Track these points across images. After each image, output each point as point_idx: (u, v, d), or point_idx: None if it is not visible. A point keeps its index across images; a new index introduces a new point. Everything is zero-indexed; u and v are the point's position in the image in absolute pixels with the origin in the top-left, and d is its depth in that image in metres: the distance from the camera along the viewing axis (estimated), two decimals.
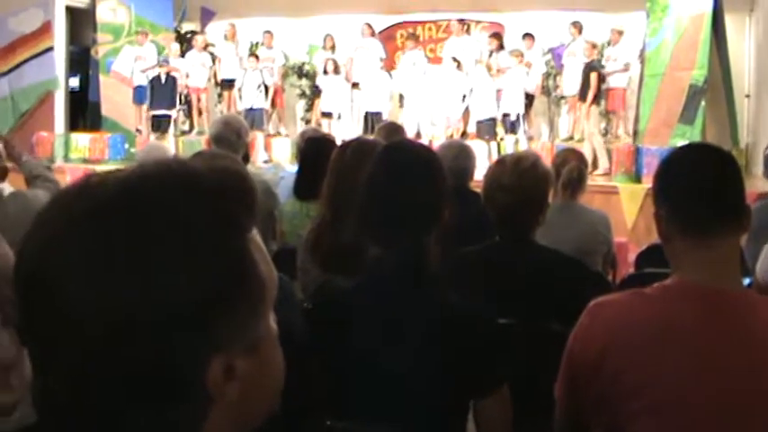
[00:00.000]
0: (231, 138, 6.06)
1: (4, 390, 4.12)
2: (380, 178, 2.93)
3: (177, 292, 1.04)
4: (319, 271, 4.11)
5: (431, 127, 17.32)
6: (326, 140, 5.87)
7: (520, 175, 3.85)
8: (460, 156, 5.92)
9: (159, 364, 1.05)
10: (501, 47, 17.36)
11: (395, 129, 6.87)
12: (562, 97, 17.42)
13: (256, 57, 18.46)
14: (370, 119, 16.86)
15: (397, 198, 2.86)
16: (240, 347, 1.11)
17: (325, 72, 18.12)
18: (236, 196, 1.16)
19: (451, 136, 15.90)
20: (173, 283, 1.04)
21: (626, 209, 13.06)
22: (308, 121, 19.30)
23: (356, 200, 3.13)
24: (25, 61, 19.24)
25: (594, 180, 12.95)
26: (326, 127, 16.66)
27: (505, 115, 16.20)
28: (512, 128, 16.09)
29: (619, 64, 16.24)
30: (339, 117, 17.82)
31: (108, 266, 1.03)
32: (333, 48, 18.62)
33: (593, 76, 15.70)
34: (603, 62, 16.35)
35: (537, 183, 3.90)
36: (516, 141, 16.10)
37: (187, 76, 18.64)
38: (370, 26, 18.72)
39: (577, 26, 16.97)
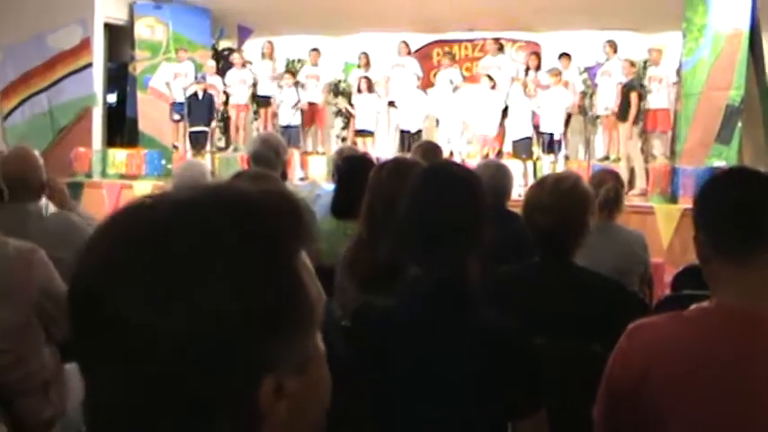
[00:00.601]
0: (269, 155, 6.08)
1: (44, 405, 4.17)
2: (422, 199, 2.94)
3: (231, 313, 1.06)
4: (357, 290, 4.11)
5: (466, 146, 17.30)
6: (364, 159, 5.87)
7: (560, 197, 3.82)
8: (498, 175, 5.93)
9: (213, 383, 1.07)
10: (539, 66, 17.38)
11: (432, 148, 6.87)
12: (597, 116, 17.37)
13: (293, 74, 18.49)
14: (407, 137, 16.86)
15: (439, 218, 2.87)
16: (290, 367, 1.13)
17: (359, 90, 18.14)
18: (286, 218, 1.18)
19: (487, 155, 15.86)
20: (227, 304, 1.06)
21: (662, 229, 12.98)
22: (343, 139, 19.33)
23: (394, 219, 3.15)
24: (64, 77, 19.32)
25: (631, 200, 12.89)
26: (361, 145, 16.65)
27: (543, 134, 16.17)
28: (550, 147, 16.04)
29: (662, 84, 16.13)
30: (373, 135, 17.83)
31: (163, 288, 1.05)
32: (367, 66, 18.62)
33: (634, 96, 15.62)
34: (643, 82, 16.29)
35: (577, 204, 3.87)
36: (554, 161, 16.07)
37: (225, 93, 18.76)
38: (406, 44, 18.76)
39: (612, 45, 16.96)
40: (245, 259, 1.09)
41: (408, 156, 7.13)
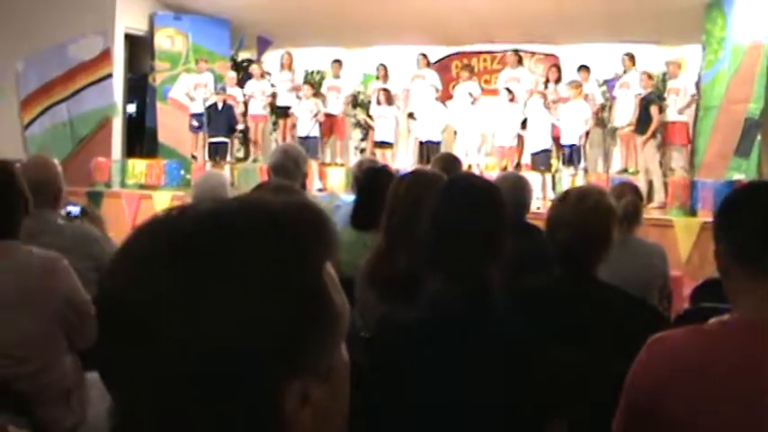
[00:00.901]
0: (290, 166, 6.10)
1: (66, 413, 4.19)
2: (445, 211, 2.96)
3: (260, 322, 1.08)
4: (376, 301, 4.13)
5: (484, 158, 17.30)
6: (384, 171, 5.86)
7: (583, 212, 3.78)
8: (517, 187, 5.93)
9: (241, 391, 1.09)
10: (559, 78, 17.40)
11: (452, 160, 6.86)
12: (616, 129, 17.33)
13: (311, 85, 18.53)
14: (425, 149, 16.86)
15: (461, 230, 2.89)
16: (315, 375, 1.15)
17: (378, 102, 18.14)
18: (312, 229, 1.19)
19: (505, 167, 15.86)
20: (254, 313, 1.08)
21: (681, 242, 12.94)
22: (362, 151, 19.36)
23: (414, 230, 3.16)
24: (84, 87, 19.39)
25: (650, 213, 12.87)
26: (380, 157, 16.65)
27: (563, 147, 16.15)
28: (570, 160, 16.03)
29: (680, 96, 16.10)
30: (392, 147, 17.85)
31: (193, 298, 1.07)
32: (386, 78, 18.67)
33: (654, 110, 15.59)
34: (662, 94, 16.29)
35: (600, 219, 3.83)
36: (574, 173, 16.07)
37: (245, 104, 18.81)
38: (425, 57, 18.81)
39: (631, 58, 17.00)
40: (273, 269, 1.11)
41: (428, 168, 7.15)
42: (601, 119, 17.53)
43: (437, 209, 2.99)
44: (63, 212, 5.70)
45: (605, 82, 17.99)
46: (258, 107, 18.96)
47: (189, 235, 1.12)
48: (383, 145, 17.88)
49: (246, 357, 1.08)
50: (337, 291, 1.21)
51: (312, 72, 20.19)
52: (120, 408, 1.15)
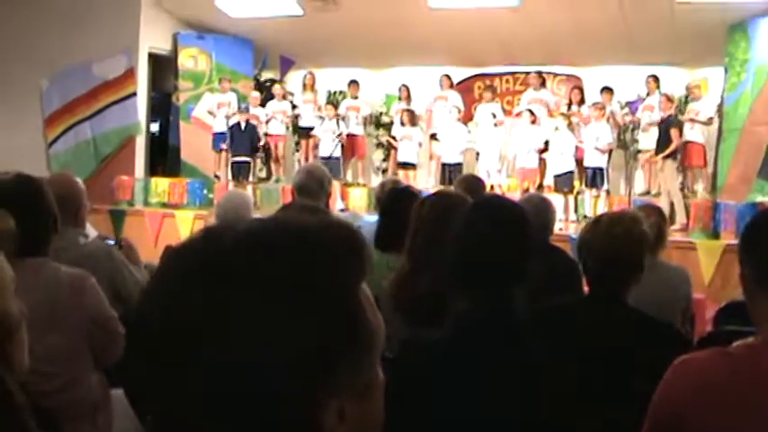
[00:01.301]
0: (314, 187, 6.12)
1: (91, 429, 4.21)
2: (472, 232, 2.98)
3: (298, 341, 1.10)
4: (400, 322, 4.12)
5: (505, 179, 17.28)
6: (408, 191, 5.84)
7: (615, 238, 3.78)
8: (541, 209, 5.92)
9: (281, 408, 1.11)
10: (582, 100, 17.35)
11: (475, 181, 6.86)
12: (638, 151, 17.24)
13: (334, 106, 18.50)
14: (448, 170, 16.86)
15: (488, 252, 2.90)
16: (352, 392, 1.17)
17: (402, 123, 18.14)
18: (348, 249, 1.21)
19: (527, 189, 15.83)
20: (293, 333, 1.10)
21: (703, 265, 12.87)
22: (384, 171, 19.36)
23: (438, 252, 3.18)
24: (108, 106, 19.44)
25: (672, 235, 12.82)
26: (403, 177, 16.59)
27: (586, 168, 16.14)
28: (593, 181, 16.02)
29: (701, 119, 16.05)
30: (415, 168, 17.85)
31: (231, 318, 1.10)
32: (408, 98, 18.70)
33: (674, 133, 15.51)
34: (682, 116, 16.21)
35: (632, 247, 3.81)
36: (596, 195, 16.06)
37: (267, 123, 18.82)
38: (448, 78, 18.84)
39: (655, 80, 16.93)
40: (310, 289, 1.13)
41: (451, 189, 7.15)
42: (623, 141, 17.49)
43: (463, 230, 3.01)
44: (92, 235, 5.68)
45: (627, 104, 17.95)
46: (279, 127, 18.97)
47: (226, 256, 1.14)
48: (406, 166, 17.86)
49: (285, 376, 1.10)
50: (373, 310, 1.23)
51: (335, 92, 20.20)
52: (157, 427, 1.17)
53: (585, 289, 4.15)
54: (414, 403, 2.91)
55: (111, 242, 5.72)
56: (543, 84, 18.46)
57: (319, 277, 1.15)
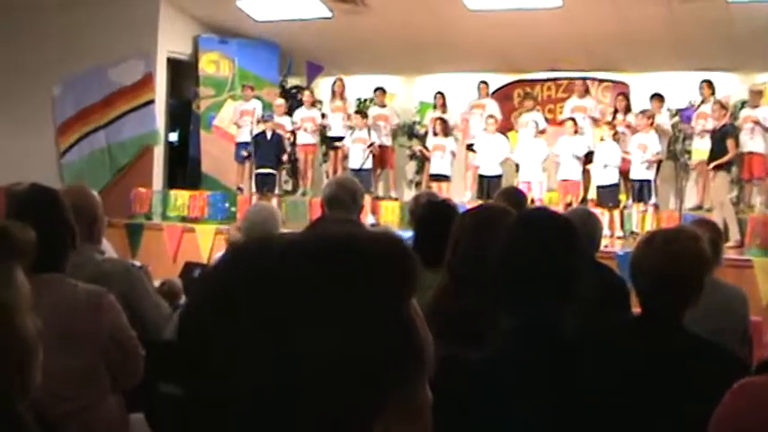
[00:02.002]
0: (346, 200, 6.10)
1: None
2: (519, 247, 2.97)
3: (346, 358, 1.11)
4: (439, 341, 4.11)
5: (546, 192, 17.21)
6: (445, 205, 5.83)
7: (670, 257, 3.67)
8: (589, 223, 5.90)
9: (330, 425, 1.11)
10: (628, 108, 17.27)
11: (518, 194, 6.83)
12: (690, 162, 17.17)
13: (363, 115, 18.48)
14: (486, 183, 16.84)
15: (537, 267, 2.90)
16: (399, 414, 1.17)
17: (435, 133, 18.13)
18: (396, 262, 1.22)
19: (570, 203, 15.76)
20: (341, 349, 1.11)
21: (761, 284, 12.71)
22: (417, 184, 19.34)
23: (480, 268, 3.17)
24: (124, 114, 19.58)
25: (725, 253, 12.72)
26: (436, 190, 16.54)
27: (633, 181, 16.07)
28: (639, 195, 15.95)
29: (761, 127, 15.80)
30: (449, 180, 17.85)
31: (277, 335, 1.11)
32: (443, 107, 18.66)
33: (730, 143, 15.31)
34: (739, 123, 16.03)
35: (689, 266, 3.70)
36: (644, 210, 15.98)
37: (294, 133, 18.84)
38: (486, 84, 18.83)
39: (710, 86, 16.74)
40: (359, 304, 1.14)
41: (491, 202, 7.13)
42: (673, 151, 17.40)
43: (509, 243, 3.00)
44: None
45: (678, 112, 17.84)
46: (307, 137, 18.95)
47: (273, 270, 1.15)
48: (439, 178, 17.85)
49: (332, 395, 1.10)
50: (422, 324, 1.23)
51: (365, 100, 20.16)
52: None
53: (635, 309, 4.12)
54: (453, 426, 2.90)
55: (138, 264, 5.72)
56: (587, 91, 18.43)
57: (370, 290, 1.15)
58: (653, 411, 3.48)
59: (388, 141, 18.85)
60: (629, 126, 16.65)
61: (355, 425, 1.13)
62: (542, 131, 17.58)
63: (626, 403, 2.99)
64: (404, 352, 1.17)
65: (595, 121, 17.61)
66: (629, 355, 3.68)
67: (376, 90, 19.21)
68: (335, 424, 1.11)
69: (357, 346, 1.11)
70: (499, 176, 17.08)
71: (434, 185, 17.45)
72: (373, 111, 19.01)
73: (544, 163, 17.11)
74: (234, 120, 19.09)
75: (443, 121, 18.06)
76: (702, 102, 16.80)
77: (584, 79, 18.53)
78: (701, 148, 16.51)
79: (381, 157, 18.57)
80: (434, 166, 18.02)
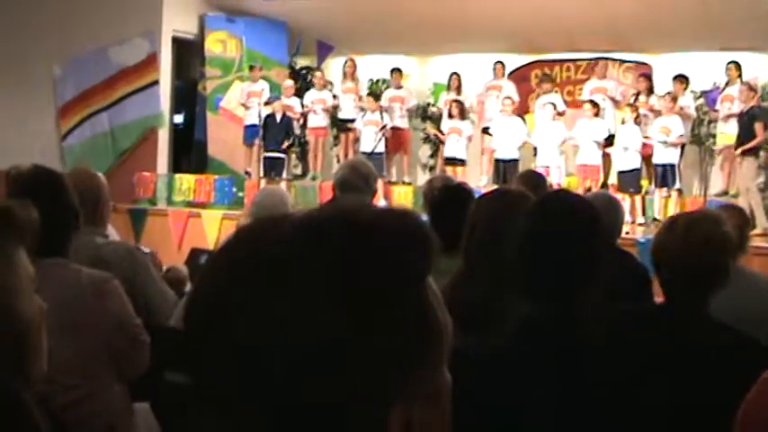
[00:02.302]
0: (359, 184, 6.09)
1: None
2: (539, 232, 2.96)
3: (362, 341, 1.11)
4: (455, 330, 4.11)
5: (565, 177, 17.16)
6: (461, 189, 5.82)
7: (693, 244, 3.67)
8: (610, 209, 5.89)
9: (344, 416, 1.11)
10: (650, 90, 17.20)
11: (537, 178, 6.81)
12: (716, 147, 17.10)
13: (376, 97, 18.50)
14: (502, 167, 16.83)
15: (557, 253, 2.89)
16: (419, 398, 1.17)
17: (450, 116, 18.09)
18: (415, 241, 1.21)
19: (589, 188, 15.68)
20: (358, 332, 1.11)
21: None
22: (431, 168, 19.31)
23: (498, 254, 3.17)
24: (127, 96, 19.60)
25: (751, 240, 12.68)
26: (450, 175, 16.44)
27: (655, 166, 16.02)
28: (663, 180, 15.91)
29: None
30: (464, 164, 17.83)
31: (290, 318, 1.11)
32: (458, 88, 18.62)
33: (758, 126, 15.16)
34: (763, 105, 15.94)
35: (714, 252, 3.69)
36: (666, 196, 15.96)
37: (303, 116, 18.82)
38: (502, 65, 18.79)
39: (737, 67, 16.59)
40: (376, 283, 1.14)
41: (510, 186, 7.11)
42: (698, 135, 17.33)
43: (528, 230, 3.00)
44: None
45: (703, 94, 17.75)
46: (318, 119, 18.91)
47: (285, 249, 1.15)
48: (454, 162, 17.81)
49: (348, 380, 1.10)
50: (440, 305, 1.23)
51: (377, 81, 20.13)
52: (211, 428, 1.18)
53: (657, 298, 4.11)
54: (469, 417, 2.90)
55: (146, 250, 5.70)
56: (608, 72, 18.34)
57: (386, 269, 1.15)
58: (677, 402, 3.48)
59: (403, 124, 18.79)
60: (651, 109, 16.58)
61: (372, 409, 1.13)
62: (561, 114, 17.51)
63: (648, 394, 2.99)
64: (421, 334, 1.17)
65: (616, 104, 17.54)
66: (652, 344, 3.67)
67: (393, 71, 19.11)
68: (349, 409, 1.11)
69: (372, 327, 1.12)
70: (516, 160, 17.04)
71: (449, 169, 17.42)
72: (389, 92, 19.00)
73: (562, 147, 17.06)
74: (241, 101, 19.05)
75: (460, 104, 18.01)
76: (728, 83, 16.67)
77: (605, 60, 18.44)
78: (726, 131, 16.40)
79: (396, 140, 18.54)
80: (449, 150, 17.97)
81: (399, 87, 19.02)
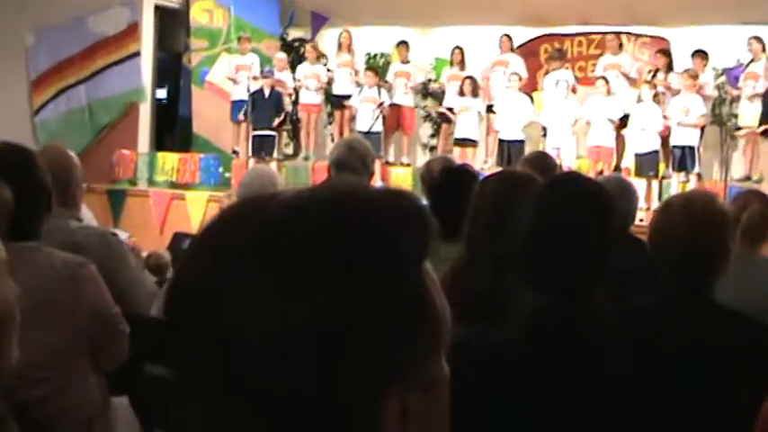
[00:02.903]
0: (355, 164, 6.10)
1: None
2: (547, 217, 2.97)
3: (352, 327, 1.11)
4: (455, 319, 4.12)
5: (575, 159, 17.15)
6: (463, 171, 5.82)
7: (690, 222, 3.74)
8: (623, 195, 5.89)
9: (333, 407, 1.12)
10: (669, 66, 17.17)
11: (545, 160, 6.79)
12: (738, 128, 17.02)
13: (374, 71, 18.49)
14: (507, 148, 16.83)
15: (565, 241, 2.90)
16: (415, 386, 1.17)
17: (462, 93, 18.01)
18: (411, 222, 1.21)
19: (602, 171, 15.68)
20: (348, 317, 1.11)
21: None
22: (432, 149, 19.29)
23: (502, 241, 3.18)
24: (106, 68, 19.55)
25: None
26: (459, 156, 16.38)
27: (673, 148, 15.99)
28: (681, 164, 15.88)
29: None
30: (476, 146, 17.80)
31: (277, 301, 1.11)
32: (462, 63, 18.64)
33: None
34: None
35: (713, 229, 3.76)
36: (684, 180, 15.91)
37: (295, 91, 18.81)
38: (509, 39, 18.72)
39: (761, 43, 16.55)
40: (368, 267, 1.14)
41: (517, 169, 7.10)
42: (719, 116, 17.32)
43: (536, 215, 3.00)
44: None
45: (724, 71, 17.71)
46: (311, 95, 18.84)
47: (274, 225, 1.15)
48: (465, 143, 17.77)
49: (338, 368, 1.11)
50: (437, 291, 1.24)
51: (375, 55, 20.13)
52: (195, 421, 1.19)
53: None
54: (469, 411, 2.91)
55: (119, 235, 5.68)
56: (622, 47, 18.32)
57: (379, 253, 1.15)
58: (691, 398, 3.50)
59: (406, 101, 18.80)
60: (668, 87, 16.55)
61: (363, 404, 1.13)
62: (573, 91, 17.50)
63: (659, 391, 3.00)
64: (417, 320, 1.17)
65: (631, 81, 17.48)
66: (660, 335, 3.70)
67: (399, 44, 19.11)
68: (340, 399, 1.12)
69: (366, 313, 1.12)
70: (522, 141, 17.06)
71: (457, 150, 17.46)
72: (395, 66, 19.03)
73: (574, 127, 17.05)
74: (229, 75, 19.03)
75: (472, 80, 17.92)
76: (752, 60, 16.65)
77: (619, 34, 18.41)
78: (750, 112, 16.40)
79: (398, 118, 18.57)
80: (461, 130, 17.91)
81: (406, 62, 19.00)
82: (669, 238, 3.77)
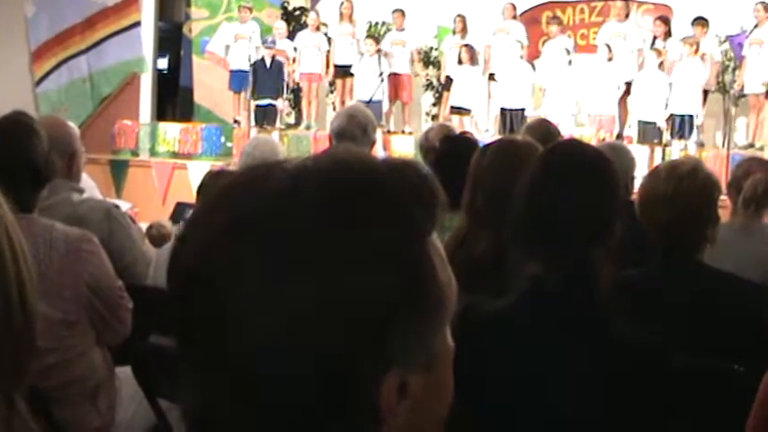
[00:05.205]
0: (356, 133, 6.09)
1: (91, 414, 4.22)
2: (546, 185, 2.95)
3: (353, 301, 1.11)
4: (458, 288, 4.11)
5: (577, 128, 17.12)
6: (465, 140, 5.81)
7: (677, 186, 3.80)
8: (624, 161, 5.90)
9: (330, 379, 1.12)
10: (669, 33, 17.09)
11: (547, 128, 6.78)
12: (741, 95, 16.83)
13: (375, 40, 18.41)
14: (508, 116, 16.79)
15: (566, 208, 2.89)
16: (416, 363, 1.17)
17: (460, 61, 17.94)
18: (419, 194, 1.21)
19: (603, 139, 15.60)
20: (348, 290, 1.11)
21: None
22: (434, 117, 19.23)
23: (503, 209, 3.17)
24: (107, 38, 19.41)
25: None
26: (457, 124, 16.44)
27: (674, 116, 15.92)
28: (680, 131, 15.83)
29: None
30: (470, 113, 17.77)
31: (280, 266, 1.11)
32: (464, 31, 18.53)
33: None
34: None
35: (699, 192, 3.83)
36: (685, 148, 15.86)
37: (294, 60, 18.70)
38: (513, 6, 18.61)
39: (765, 8, 16.37)
40: (371, 239, 1.14)
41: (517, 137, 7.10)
42: (722, 83, 17.27)
43: (535, 183, 2.99)
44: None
45: (728, 38, 17.63)
46: (312, 64, 18.71)
47: (275, 202, 1.15)
48: (461, 111, 17.73)
49: (337, 343, 1.11)
50: (444, 267, 1.23)
51: (376, 24, 20.04)
52: (196, 400, 1.19)
53: None
54: (470, 381, 2.92)
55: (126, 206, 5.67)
56: (627, 14, 18.21)
57: (382, 225, 1.15)
58: (698, 363, 3.51)
59: (404, 69, 18.70)
60: (670, 57, 16.47)
61: (361, 380, 1.14)
62: (571, 59, 17.45)
63: (659, 354, 2.99)
64: (418, 294, 1.17)
65: (635, 49, 17.38)
66: (658, 303, 3.72)
67: (394, 12, 18.98)
68: (337, 380, 1.12)
69: (370, 287, 1.12)
70: (523, 110, 17.02)
71: (455, 118, 17.40)
72: (391, 35, 18.93)
73: (574, 95, 17.00)
74: (227, 44, 18.98)
75: (470, 48, 17.90)
76: (756, 26, 16.55)
77: (623, 0, 18.30)
78: (754, 78, 16.32)
79: (397, 87, 18.49)
80: (456, 98, 17.89)
81: (402, 30, 18.90)
82: (655, 203, 3.82)
